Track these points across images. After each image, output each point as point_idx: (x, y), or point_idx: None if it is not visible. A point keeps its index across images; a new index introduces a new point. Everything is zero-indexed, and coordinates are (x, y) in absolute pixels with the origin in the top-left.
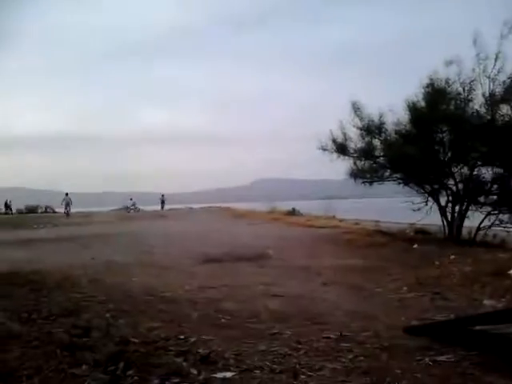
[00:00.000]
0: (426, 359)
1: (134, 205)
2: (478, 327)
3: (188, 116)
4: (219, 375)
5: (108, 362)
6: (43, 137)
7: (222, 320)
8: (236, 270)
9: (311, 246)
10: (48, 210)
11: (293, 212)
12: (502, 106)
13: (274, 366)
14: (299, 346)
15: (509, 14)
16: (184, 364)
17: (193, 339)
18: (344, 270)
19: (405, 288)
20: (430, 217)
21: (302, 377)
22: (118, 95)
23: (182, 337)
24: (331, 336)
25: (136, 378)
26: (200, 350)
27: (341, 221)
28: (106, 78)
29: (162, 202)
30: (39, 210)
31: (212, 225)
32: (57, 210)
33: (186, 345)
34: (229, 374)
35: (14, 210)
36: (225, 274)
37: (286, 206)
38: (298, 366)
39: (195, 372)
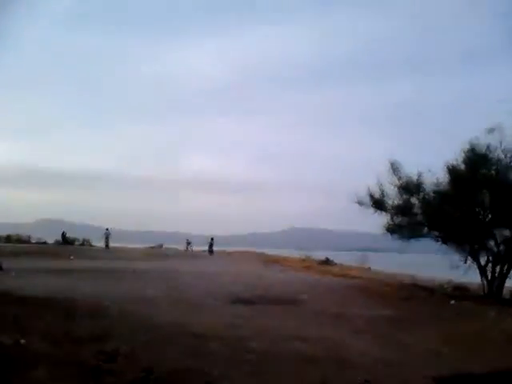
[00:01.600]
0: None
1: (189, 244)
2: None
3: (233, 165)
4: None
5: None
6: (89, 174)
7: (248, 358)
8: (268, 313)
9: (343, 295)
10: (85, 243)
11: (326, 261)
12: None
13: None
14: None
15: None
16: None
17: (216, 373)
18: (375, 320)
19: (436, 341)
20: (468, 275)
21: None
22: (171, 142)
23: (206, 369)
24: (357, 380)
25: None
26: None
27: (374, 273)
28: (164, 126)
29: (210, 246)
30: (76, 243)
31: (246, 268)
32: (93, 243)
33: (208, 377)
34: None
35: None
36: (256, 315)
37: (318, 255)
38: None
39: None
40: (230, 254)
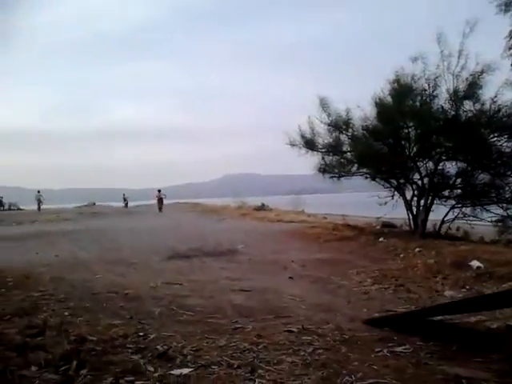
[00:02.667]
0: (385, 350)
1: (126, 200)
2: (437, 318)
3: (157, 112)
4: (175, 372)
5: (61, 361)
6: (4, 133)
7: (184, 316)
8: (203, 266)
9: (279, 241)
10: (12, 207)
11: (262, 207)
12: (465, 102)
13: (232, 362)
14: (259, 341)
15: (470, 14)
16: (141, 361)
17: (152, 336)
18: (310, 263)
19: (369, 280)
20: (396, 211)
21: (260, 371)
22: (84, 91)
23: (141, 334)
24: (293, 329)
25: (89, 376)
26: (158, 347)
27: (309, 216)
28: (72, 71)
29: (125, 200)
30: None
31: (180, 221)
32: (22, 207)
33: (144, 342)
34: (186, 371)
35: None
36: (192, 270)
37: (255, 201)
38: (256, 361)
39: (151, 369)
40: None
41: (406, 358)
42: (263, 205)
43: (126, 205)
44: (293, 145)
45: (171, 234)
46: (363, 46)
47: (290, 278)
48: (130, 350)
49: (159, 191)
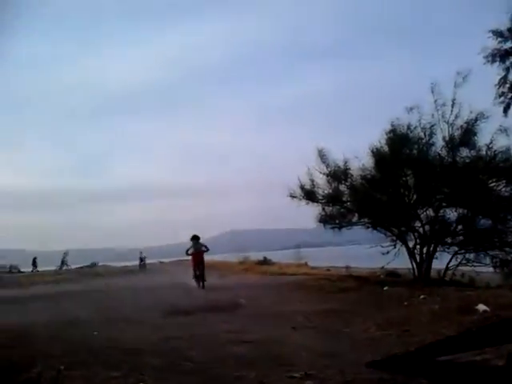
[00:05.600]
0: None
1: (143, 258)
2: (444, 358)
3: (160, 170)
4: None
5: None
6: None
7: (185, 367)
8: (204, 321)
9: (283, 294)
10: (13, 269)
11: (264, 261)
12: (461, 149)
13: None
14: None
15: (461, 65)
16: None
17: None
18: (313, 314)
19: (373, 327)
20: (400, 260)
21: None
22: (87, 151)
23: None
24: (295, 375)
25: None
26: None
27: (312, 268)
28: (76, 133)
29: (141, 260)
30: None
31: (182, 278)
32: (23, 270)
33: None
34: None
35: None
36: (192, 324)
37: (258, 256)
38: None
39: None
40: (165, 264)
41: None
42: (265, 259)
43: (144, 265)
44: (293, 196)
45: (171, 291)
46: (362, 97)
47: (293, 328)
48: None
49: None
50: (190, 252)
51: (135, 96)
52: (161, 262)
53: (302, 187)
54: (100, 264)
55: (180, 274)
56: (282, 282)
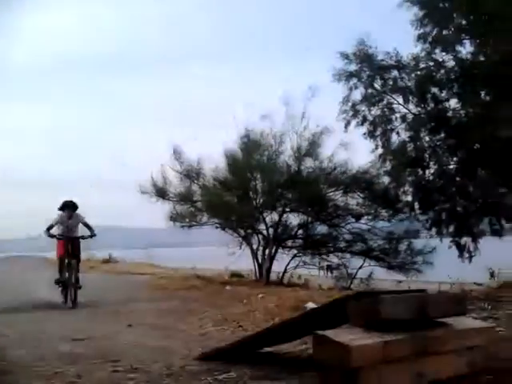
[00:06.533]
0: (209, 378)
1: None
2: (266, 349)
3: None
4: None
5: None
6: None
7: (5, 367)
8: (34, 319)
9: (125, 292)
10: None
11: (109, 260)
12: (306, 159)
13: None
14: (78, 381)
15: (312, 80)
16: None
17: None
18: (153, 312)
19: (210, 324)
20: (246, 261)
21: None
22: None
23: None
24: (119, 369)
25: None
26: None
27: (160, 268)
28: None
29: None
30: None
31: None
32: None
33: None
34: None
35: None
36: (25, 322)
37: (104, 254)
38: None
39: None
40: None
41: (228, 383)
42: (110, 257)
43: None
44: (144, 192)
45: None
46: (220, 101)
47: (129, 325)
48: None
49: None
50: (55, 233)
51: None
52: None
53: (155, 184)
54: None
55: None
56: (127, 281)
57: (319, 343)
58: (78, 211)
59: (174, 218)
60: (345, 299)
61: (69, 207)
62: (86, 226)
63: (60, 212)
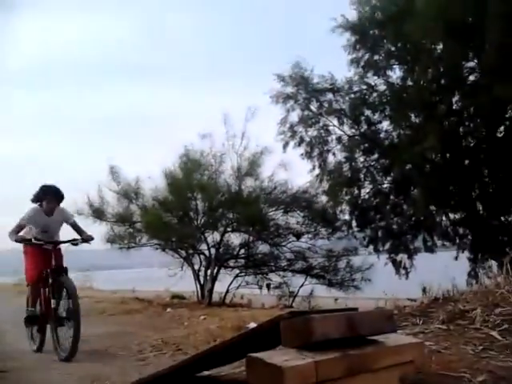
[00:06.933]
0: None
1: None
2: (204, 373)
3: None
4: None
5: None
6: None
7: None
8: None
9: None
10: None
11: None
12: (247, 178)
13: None
14: None
15: (251, 101)
16: None
17: None
18: (89, 339)
19: (149, 349)
20: (186, 282)
21: None
22: None
23: None
24: None
25: None
26: None
27: (97, 291)
28: None
29: None
30: None
31: None
32: None
33: None
34: None
35: None
36: None
37: None
38: None
39: None
40: None
41: None
42: None
43: None
44: (80, 214)
45: None
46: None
47: None
48: None
49: None
50: (26, 235)
51: None
52: None
53: (91, 204)
54: None
55: None
56: None
57: (252, 365)
58: (63, 204)
59: (112, 239)
60: (279, 319)
61: (50, 196)
62: (76, 228)
63: (34, 205)
